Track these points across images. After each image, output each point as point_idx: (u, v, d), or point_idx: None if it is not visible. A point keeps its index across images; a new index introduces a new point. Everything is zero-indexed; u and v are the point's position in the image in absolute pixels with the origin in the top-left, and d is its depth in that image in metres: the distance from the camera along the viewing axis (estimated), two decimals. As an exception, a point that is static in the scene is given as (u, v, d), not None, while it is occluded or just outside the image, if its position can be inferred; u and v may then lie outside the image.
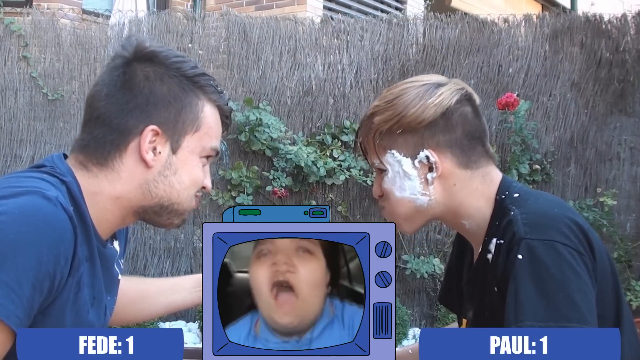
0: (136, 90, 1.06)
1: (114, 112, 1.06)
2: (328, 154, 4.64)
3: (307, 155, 4.44)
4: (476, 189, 1.17)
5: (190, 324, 4.61)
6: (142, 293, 1.39)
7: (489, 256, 1.12)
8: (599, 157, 4.82)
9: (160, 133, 1.06)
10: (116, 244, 1.17)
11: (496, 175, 1.22)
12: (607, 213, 4.58)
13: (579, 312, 0.99)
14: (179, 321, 4.64)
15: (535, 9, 9.19)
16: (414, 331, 4.51)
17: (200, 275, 1.45)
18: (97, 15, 5.90)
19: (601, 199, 4.57)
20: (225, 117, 1.16)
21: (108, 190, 1.06)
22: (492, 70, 4.81)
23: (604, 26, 4.79)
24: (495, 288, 1.10)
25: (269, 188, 4.56)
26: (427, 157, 1.14)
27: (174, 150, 1.08)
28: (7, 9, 4.95)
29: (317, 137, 4.72)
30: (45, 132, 4.78)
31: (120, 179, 1.06)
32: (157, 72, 1.07)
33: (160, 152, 1.07)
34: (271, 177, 4.56)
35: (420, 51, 4.82)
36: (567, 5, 9.55)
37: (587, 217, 4.52)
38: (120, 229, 1.17)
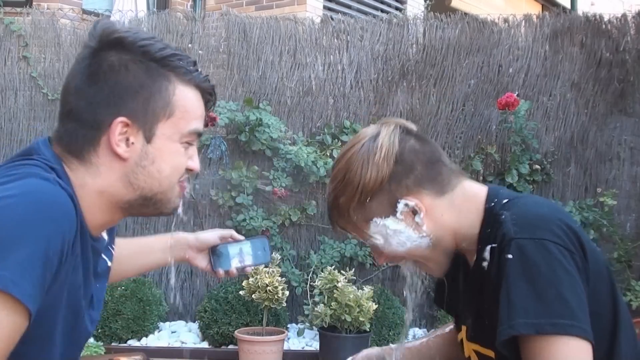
0: (101, 83, 1.03)
1: (82, 107, 1.04)
2: (328, 154, 4.64)
3: (307, 155, 4.44)
4: (462, 208, 1.16)
5: (190, 323, 4.61)
6: (117, 254, 1.35)
7: (485, 264, 1.12)
8: (599, 157, 4.82)
9: (130, 124, 1.03)
10: (104, 234, 1.16)
11: (477, 187, 1.20)
12: (607, 213, 4.58)
13: (569, 309, 0.99)
14: (179, 321, 4.64)
15: (535, 9, 9.19)
16: (414, 331, 4.51)
17: (176, 234, 1.45)
18: (97, 15, 5.90)
19: (601, 199, 4.57)
20: (208, 94, 1.12)
21: (91, 184, 1.05)
22: (492, 70, 4.81)
23: (604, 26, 4.79)
24: (492, 293, 1.09)
25: (269, 188, 4.56)
26: (406, 205, 1.13)
27: (148, 140, 1.04)
28: (7, 9, 4.95)
29: (317, 137, 4.72)
30: (45, 132, 4.77)
31: (100, 173, 1.04)
32: (122, 59, 1.03)
33: (133, 143, 1.04)
34: (271, 177, 4.56)
35: (420, 51, 4.82)
36: (567, 5, 9.56)
37: (587, 217, 4.52)
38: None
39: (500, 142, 4.76)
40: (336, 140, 4.70)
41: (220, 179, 4.66)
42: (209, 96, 1.12)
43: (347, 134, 4.68)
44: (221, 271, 1.42)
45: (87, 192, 1.04)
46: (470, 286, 1.20)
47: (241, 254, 1.43)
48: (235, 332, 3.99)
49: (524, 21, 4.87)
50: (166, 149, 1.06)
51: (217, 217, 4.73)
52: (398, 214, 1.14)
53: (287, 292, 3.94)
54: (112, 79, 1.03)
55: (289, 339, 4.35)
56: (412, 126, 1.19)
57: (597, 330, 1.02)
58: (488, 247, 1.11)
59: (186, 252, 1.44)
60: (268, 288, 3.83)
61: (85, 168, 1.04)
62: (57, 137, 1.07)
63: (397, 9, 7.25)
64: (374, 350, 1.42)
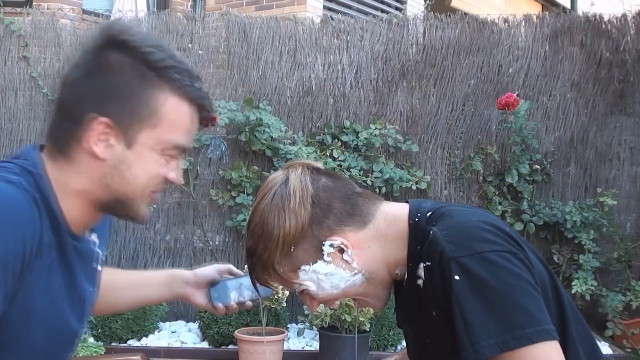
0: (95, 80, 1.03)
1: (72, 100, 1.04)
2: (328, 154, 4.64)
3: (307, 155, 4.44)
4: (387, 235, 1.12)
5: (190, 324, 4.61)
6: (111, 285, 1.35)
7: (420, 282, 1.08)
8: (599, 157, 4.83)
9: (112, 126, 1.03)
10: (94, 236, 1.16)
11: (397, 206, 1.16)
12: (607, 213, 4.57)
13: (528, 315, 0.97)
14: (179, 321, 4.64)
15: (535, 9, 9.19)
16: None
17: (170, 270, 1.42)
18: (97, 15, 5.90)
19: (601, 199, 4.57)
20: (205, 111, 1.10)
21: (73, 183, 1.05)
22: (492, 70, 4.81)
23: (604, 26, 4.79)
24: (434, 312, 1.07)
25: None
26: (332, 245, 1.10)
27: (129, 145, 1.04)
28: (7, 9, 4.95)
29: (317, 137, 4.72)
30: (45, 132, 4.76)
31: (81, 172, 1.05)
32: (120, 62, 1.03)
33: (112, 145, 1.03)
34: (271, 177, 4.56)
35: (420, 51, 4.82)
36: (567, 5, 9.56)
37: (587, 217, 4.52)
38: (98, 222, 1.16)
39: (500, 142, 4.76)
40: (336, 140, 4.70)
41: (220, 179, 4.66)
42: (205, 113, 1.10)
43: (347, 134, 4.68)
44: (221, 306, 1.39)
45: (69, 191, 1.05)
46: (406, 306, 1.16)
47: (240, 289, 1.41)
48: (235, 332, 3.99)
49: (524, 21, 4.87)
50: (145, 157, 1.05)
51: (217, 217, 4.73)
52: (325, 256, 1.10)
53: (287, 292, 3.94)
54: (106, 78, 1.03)
55: (289, 339, 4.35)
56: (319, 165, 1.16)
57: None
58: (421, 265, 1.07)
59: (184, 288, 1.41)
60: (268, 288, 3.83)
61: (69, 165, 1.05)
62: (48, 129, 1.08)
63: (397, 9, 7.25)
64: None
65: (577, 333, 1.08)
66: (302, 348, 4.33)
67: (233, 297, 1.40)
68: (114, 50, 1.04)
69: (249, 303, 1.42)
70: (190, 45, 4.83)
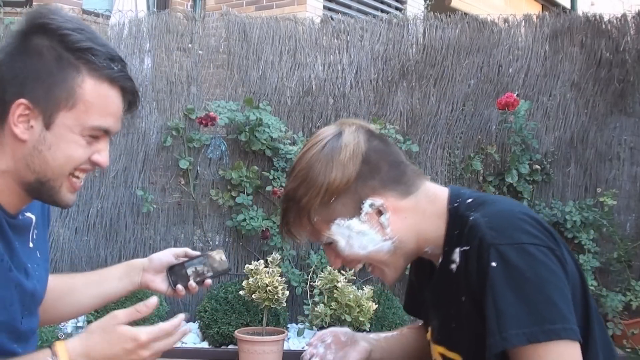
0: (16, 63, 1.06)
1: None
2: (328, 154, 4.63)
3: (307, 155, 4.44)
4: (426, 211, 1.13)
5: (190, 323, 4.61)
6: (71, 287, 1.37)
7: (453, 266, 1.09)
8: (599, 157, 4.82)
9: (31, 107, 1.05)
10: (29, 214, 1.18)
11: (439, 189, 1.17)
12: (607, 213, 4.58)
13: (559, 312, 0.98)
14: (179, 321, 4.63)
15: (535, 9, 9.19)
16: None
17: (126, 262, 1.43)
18: (97, 15, 5.89)
19: (601, 199, 4.57)
20: (130, 94, 1.11)
21: (1, 164, 1.08)
22: (492, 70, 4.81)
23: (604, 26, 4.79)
24: (463, 298, 1.07)
25: (269, 188, 4.56)
26: (372, 205, 1.11)
27: (47, 126, 1.06)
28: (7, 9, 4.95)
29: (317, 137, 4.71)
30: None
31: (5, 153, 1.07)
32: (39, 44, 1.05)
33: (32, 127, 1.05)
34: (271, 177, 4.56)
35: (420, 51, 4.82)
36: (567, 5, 9.57)
37: (587, 217, 4.52)
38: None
39: (500, 142, 4.76)
40: (336, 140, 4.69)
41: (220, 179, 4.66)
42: (130, 96, 1.11)
43: (347, 134, 4.67)
44: (180, 287, 1.39)
45: None
46: (437, 289, 1.17)
47: (198, 268, 1.40)
48: (235, 332, 3.99)
49: (524, 21, 4.87)
50: (64, 138, 1.06)
51: (217, 217, 4.73)
52: (362, 215, 1.11)
53: (287, 292, 3.94)
54: (24, 60, 1.05)
55: (289, 339, 4.35)
56: (373, 127, 1.17)
57: None
58: (457, 250, 1.08)
59: (142, 276, 1.41)
60: (268, 288, 3.83)
61: None
62: None
63: (397, 9, 7.25)
64: (343, 329, 1.37)
65: (598, 338, 1.09)
66: (302, 348, 4.33)
67: (192, 278, 1.39)
68: (34, 34, 1.06)
69: (209, 281, 1.41)
70: (190, 45, 4.83)
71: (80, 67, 1.06)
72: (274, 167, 4.61)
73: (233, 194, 4.61)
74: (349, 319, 3.86)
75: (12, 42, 1.08)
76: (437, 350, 1.21)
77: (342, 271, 4.05)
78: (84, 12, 5.99)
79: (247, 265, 3.96)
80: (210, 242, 4.77)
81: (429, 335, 1.26)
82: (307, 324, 4.38)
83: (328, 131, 1.14)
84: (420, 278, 1.27)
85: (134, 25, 4.87)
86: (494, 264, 1.00)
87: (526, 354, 0.98)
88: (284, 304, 4.04)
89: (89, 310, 1.43)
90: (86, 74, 1.06)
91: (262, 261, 3.96)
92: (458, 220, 1.10)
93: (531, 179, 4.68)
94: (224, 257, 1.41)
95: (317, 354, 1.31)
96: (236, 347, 4.03)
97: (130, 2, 5.68)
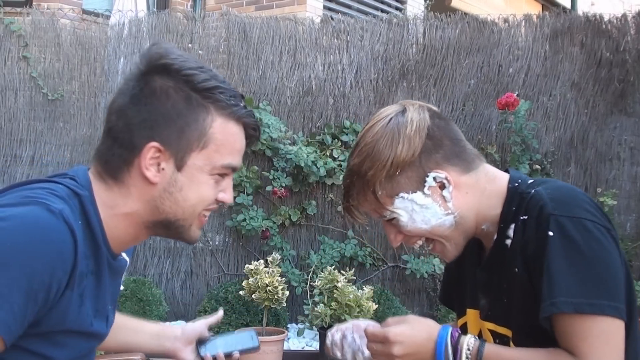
0: (141, 106, 1.04)
1: (120, 126, 1.05)
2: (328, 154, 4.64)
3: (307, 155, 4.44)
4: (485, 189, 1.17)
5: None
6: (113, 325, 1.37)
7: (508, 242, 1.13)
8: (599, 157, 4.82)
9: (162, 150, 1.03)
10: (124, 255, 1.16)
11: (498, 171, 1.22)
12: (607, 213, 4.57)
13: (607, 289, 1.02)
14: (179, 321, 4.64)
15: (535, 9, 9.19)
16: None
17: (165, 325, 1.45)
18: (97, 15, 5.89)
19: (601, 199, 4.57)
20: (252, 129, 1.11)
21: (122, 205, 1.06)
22: (492, 70, 4.81)
23: (604, 26, 4.79)
24: (517, 269, 1.11)
25: (269, 188, 4.56)
26: (435, 178, 1.14)
27: (179, 168, 1.05)
28: (7, 9, 4.95)
29: (317, 137, 4.72)
30: (45, 132, 4.78)
31: (131, 195, 1.06)
32: (164, 86, 1.04)
33: (164, 169, 1.04)
34: (271, 177, 4.56)
35: (420, 51, 4.82)
36: (567, 5, 9.57)
37: (587, 217, 4.52)
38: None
39: (500, 142, 4.76)
40: (336, 140, 4.70)
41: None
42: (252, 131, 1.11)
43: (347, 134, 4.67)
44: (209, 355, 1.42)
45: (117, 213, 1.06)
46: (490, 265, 1.20)
47: (227, 344, 1.44)
48: (235, 332, 3.99)
49: (524, 21, 4.87)
50: (195, 179, 1.06)
51: (217, 217, 4.73)
52: (426, 189, 1.14)
53: (287, 292, 3.94)
54: (152, 103, 1.04)
55: (289, 339, 4.35)
56: (434, 107, 1.22)
57: None
58: (512, 226, 1.12)
59: (173, 344, 1.44)
60: (268, 288, 3.83)
61: (118, 188, 1.06)
62: (97, 153, 1.09)
63: (397, 9, 7.25)
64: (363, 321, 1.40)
65: (636, 330, 1.13)
66: (302, 348, 4.33)
67: (220, 349, 1.43)
68: (156, 75, 1.05)
69: (236, 354, 1.44)
70: (190, 45, 4.83)
71: (209, 107, 1.05)
72: (274, 167, 4.61)
73: (233, 194, 4.61)
74: (349, 319, 3.86)
75: (132, 84, 1.06)
76: (486, 327, 1.23)
77: (341, 271, 4.05)
78: (84, 12, 6.00)
79: (247, 266, 3.95)
80: (210, 242, 4.77)
81: (468, 317, 1.29)
82: (307, 324, 4.38)
83: (391, 109, 1.19)
84: (465, 264, 1.29)
85: (134, 25, 4.87)
86: (551, 233, 1.04)
87: (571, 323, 1.02)
88: (284, 304, 4.04)
89: (110, 351, 1.44)
90: (215, 114, 1.05)
91: (262, 261, 3.96)
92: (517, 197, 1.14)
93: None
94: (254, 337, 1.46)
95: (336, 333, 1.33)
96: (236, 347, 4.03)
97: (130, 2, 5.68)
